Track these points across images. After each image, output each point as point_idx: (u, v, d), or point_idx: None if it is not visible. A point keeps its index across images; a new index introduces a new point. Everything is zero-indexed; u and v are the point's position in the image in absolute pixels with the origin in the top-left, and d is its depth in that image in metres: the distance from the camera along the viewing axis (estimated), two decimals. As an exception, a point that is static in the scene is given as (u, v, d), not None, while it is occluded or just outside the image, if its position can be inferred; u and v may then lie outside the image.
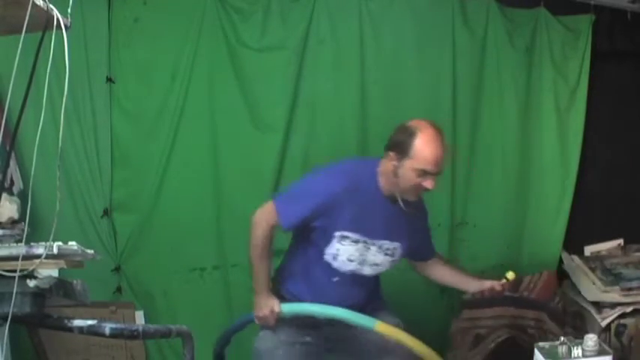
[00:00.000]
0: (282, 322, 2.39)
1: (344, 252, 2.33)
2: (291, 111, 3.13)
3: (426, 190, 2.25)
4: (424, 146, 2.19)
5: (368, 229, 2.33)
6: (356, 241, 2.33)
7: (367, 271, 2.40)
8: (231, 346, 2.64)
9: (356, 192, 2.28)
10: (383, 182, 2.31)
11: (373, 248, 2.36)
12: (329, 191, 2.27)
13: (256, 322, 2.41)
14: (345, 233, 2.30)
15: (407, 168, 2.21)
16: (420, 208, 2.45)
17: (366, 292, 2.47)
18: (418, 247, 2.51)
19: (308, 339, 2.43)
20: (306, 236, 2.38)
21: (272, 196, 2.47)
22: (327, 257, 2.34)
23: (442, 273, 2.59)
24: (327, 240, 2.32)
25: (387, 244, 2.38)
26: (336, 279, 2.38)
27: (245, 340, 2.61)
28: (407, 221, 2.38)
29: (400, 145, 2.22)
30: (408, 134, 2.21)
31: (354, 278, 2.40)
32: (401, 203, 2.30)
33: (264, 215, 2.33)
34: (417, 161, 2.19)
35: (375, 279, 2.52)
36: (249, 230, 3.10)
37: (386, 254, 2.39)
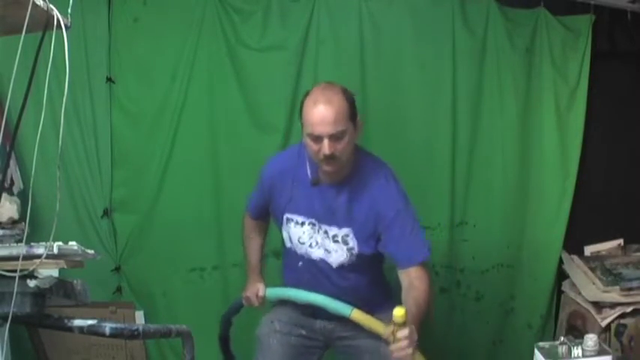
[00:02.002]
0: (280, 312, 2.49)
1: (293, 234, 2.34)
2: (291, 111, 3.13)
3: (325, 155, 2.09)
4: (308, 108, 2.12)
5: (309, 210, 2.27)
6: (302, 223, 2.31)
7: (324, 256, 2.30)
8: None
9: (289, 173, 2.31)
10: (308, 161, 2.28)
11: (321, 231, 2.29)
12: (265, 175, 2.41)
13: (243, 302, 2.54)
14: (288, 215, 2.33)
15: (304, 134, 2.16)
16: (372, 196, 2.23)
17: (344, 292, 2.30)
18: (387, 246, 2.24)
19: (303, 332, 2.46)
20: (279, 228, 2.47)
21: None
22: (286, 241, 2.40)
23: (403, 292, 2.20)
24: (280, 223, 2.39)
25: (333, 230, 2.26)
26: (300, 263, 2.37)
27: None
28: (354, 205, 2.22)
29: (300, 112, 2.18)
30: (303, 98, 2.17)
31: (320, 267, 2.32)
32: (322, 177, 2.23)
33: (245, 210, 2.61)
34: (305, 125, 2.13)
35: (356, 283, 2.33)
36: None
37: (335, 241, 2.27)
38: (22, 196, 2.75)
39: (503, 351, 3.41)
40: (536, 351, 2.29)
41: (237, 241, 3.15)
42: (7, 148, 2.48)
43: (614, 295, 3.07)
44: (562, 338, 2.27)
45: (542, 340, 2.60)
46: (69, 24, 1.56)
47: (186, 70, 3.08)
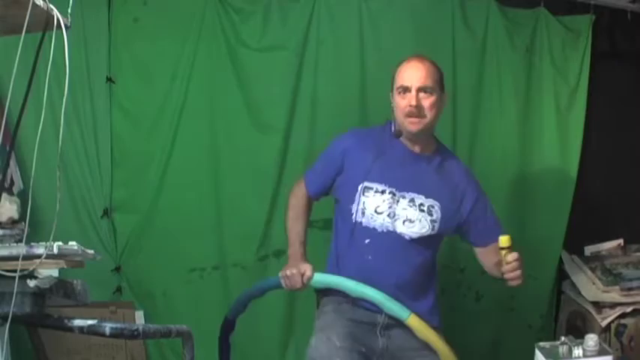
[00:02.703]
0: (333, 324, 2.23)
1: (370, 204, 2.26)
2: (291, 111, 3.13)
3: (411, 107, 2.21)
4: (401, 66, 2.29)
5: (391, 178, 2.27)
6: (382, 192, 2.26)
7: (401, 228, 2.25)
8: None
9: (371, 143, 2.33)
10: (393, 127, 2.35)
11: (403, 201, 2.26)
12: (340, 147, 2.37)
13: (282, 283, 2.28)
14: (367, 184, 2.27)
15: (395, 96, 2.28)
16: (458, 173, 2.37)
17: (409, 270, 2.26)
18: (470, 223, 2.37)
19: (363, 349, 2.23)
20: (336, 210, 2.40)
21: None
22: (356, 215, 2.27)
23: (487, 261, 2.42)
24: (352, 196, 2.28)
25: (420, 198, 2.27)
26: (367, 240, 2.26)
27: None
28: (441, 180, 2.31)
29: (391, 82, 2.32)
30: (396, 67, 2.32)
31: (390, 242, 2.25)
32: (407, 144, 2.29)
33: (295, 187, 2.51)
34: (397, 81, 2.27)
35: (423, 260, 2.31)
36: (249, 230, 3.12)
37: (421, 210, 2.26)
38: (22, 196, 2.74)
39: (503, 351, 3.41)
40: (537, 351, 2.30)
41: (237, 241, 3.17)
42: (7, 148, 2.48)
43: (614, 295, 3.07)
44: (563, 338, 2.27)
45: (542, 340, 2.60)
46: (69, 24, 1.56)
47: (186, 70, 3.07)
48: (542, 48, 3.26)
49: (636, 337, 3.00)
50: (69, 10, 1.58)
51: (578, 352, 2.20)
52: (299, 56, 3.12)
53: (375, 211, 2.26)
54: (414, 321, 2.19)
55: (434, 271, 2.46)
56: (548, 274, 3.37)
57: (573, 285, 3.27)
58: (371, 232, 2.27)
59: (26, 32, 1.47)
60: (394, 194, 2.26)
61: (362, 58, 3.17)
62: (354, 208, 2.28)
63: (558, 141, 3.31)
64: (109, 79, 3.04)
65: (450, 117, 3.22)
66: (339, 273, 2.30)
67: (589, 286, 3.15)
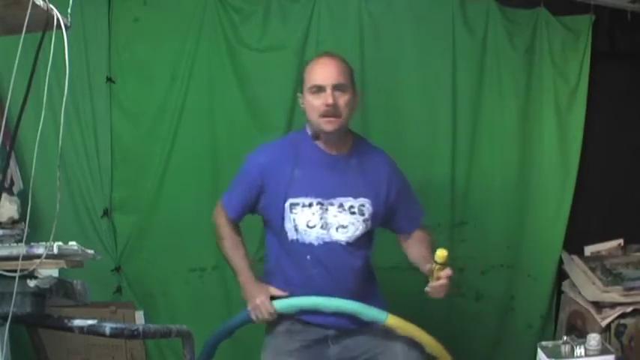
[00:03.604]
0: (284, 342, 2.25)
1: (300, 219, 2.19)
2: (291, 111, 3.13)
3: (327, 106, 2.13)
4: (311, 65, 2.22)
5: (315, 188, 2.20)
6: (309, 205, 2.19)
7: (336, 235, 2.20)
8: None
9: (287, 155, 2.24)
10: (312, 132, 2.26)
11: (332, 208, 2.20)
12: (255, 165, 2.28)
13: (253, 318, 2.25)
14: (292, 200, 2.19)
15: (306, 96, 2.20)
16: (379, 163, 2.30)
17: (353, 275, 2.24)
18: (399, 211, 2.32)
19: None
20: (267, 226, 2.34)
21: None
22: (290, 234, 2.21)
23: (413, 250, 2.35)
24: (281, 215, 2.21)
25: (349, 200, 2.21)
26: (308, 257, 2.21)
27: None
28: (365, 176, 2.25)
29: (301, 82, 2.25)
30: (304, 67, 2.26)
31: (330, 253, 2.20)
32: (323, 144, 2.23)
33: (217, 214, 2.40)
34: (308, 81, 2.19)
35: (363, 263, 2.28)
36: (248, 230, 3.11)
37: (352, 212, 2.21)
38: (22, 196, 2.74)
39: (503, 351, 3.41)
40: (539, 350, 2.30)
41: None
42: (7, 148, 2.48)
43: (614, 295, 3.07)
44: (565, 337, 2.27)
45: (542, 340, 2.60)
46: (69, 24, 1.56)
47: (186, 70, 3.07)
48: (542, 48, 3.26)
49: (636, 337, 3.00)
50: (69, 10, 1.58)
51: (580, 351, 2.21)
52: (299, 56, 3.12)
53: (307, 226, 2.20)
54: (393, 320, 2.19)
55: (372, 268, 2.40)
56: (548, 274, 3.37)
57: (573, 285, 3.27)
58: (308, 247, 2.21)
59: (26, 32, 1.47)
60: (322, 204, 2.20)
61: (362, 58, 3.16)
62: (287, 226, 2.22)
63: (558, 141, 3.31)
64: (109, 79, 3.05)
65: (450, 117, 3.22)
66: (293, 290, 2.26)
67: (589, 286, 3.15)
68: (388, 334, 2.24)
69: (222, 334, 2.43)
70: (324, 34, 3.13)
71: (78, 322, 1.74)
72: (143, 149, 3.12)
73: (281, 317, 2.27)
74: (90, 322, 1.74)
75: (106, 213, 3.09)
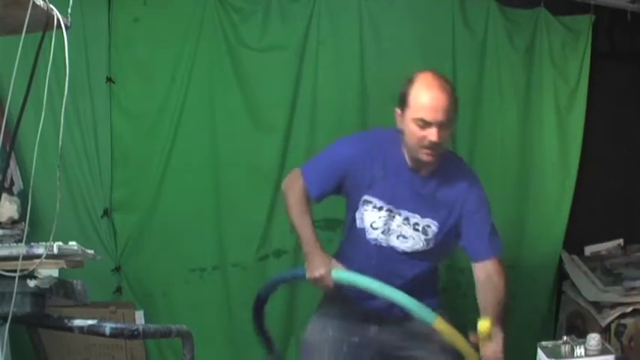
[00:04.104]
0: (333, 316, 2.32)
1: (368, 218, 2.23)
2: (291, 111, 3.13)
3: (431, 143, 2.08)
4: (420, 92, 2.10)
5: (390, 196, 2.21)
6: (379, 208, 2.22)
7: (395, 242, 2.23)
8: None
9: (377, 156, 2.23)
10: (404, 148, 2.20)
11: (398, 218, 2.22)
12: (347, 155, 2.25)
13: (312, 283, 2.23)
14: (367, 197, 2.22)
15: (408, 120, 2.11)
16: (458, 188, 2.24)
17: (403, 282, 2.22)
18: (464, 236, 2.28)
19: (356, 339, 2.31)
20: (348, 208, 2.33)
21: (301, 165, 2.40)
22: (358, 222, 2.26)
23: (478, 285, 2.32)
24: (356, 205, 2.25)
25: (416, 218, 2.22)
26: (366, 249, 2.25)
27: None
28: (441, 199, 2.22)
29: (401, 97, 2.15)
30: (407, 84, 2.15)
31: (384, 257, 2.24)
32: (410, 163, 2.18)
33: (292, 181, 2.32)
34: (415, 110, 2.09)
35: (419, 272, 2.29)
36: (249, 230, 3.11)
37: (415, 229, 2.22)
38: (22, 196, 2.74)
39: (503, 351, 3.40)
40: (539, 350, 2.30)
41: (237, 241, 3.17)
42: (7, 148, 2.47)
43: (614, 295, 3.07)
44: (565, 337, 2.27)
45: (541, 340, 2.60)
46: (69, 24, 1.56)
47: (186, 70, 3.07)
48: (542, 48, 3.27)
49: (636, 337, 3.00)
50: (69, 10, 1.58)
51: (580, 351, 2.20)
52: (299, 56, 3.12)
53: (371, 226, 2.24)
54: (440, 324, 2.14)
55: (433, 277, 2.42)
56: (548, 274, 3.37)
57: (573, 285, 3.27)
58: (368, 242, 2.26)
59: (26, 32, 1.47)
60: (391, 211, 2.22)
61: (362, 58, 3.17)
62: (357, 215, 2.26)
63: (558, 141, 3.31)
64: (109, 79, 3.05)
65: (450, 117, 3.22)
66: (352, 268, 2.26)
67: (589, 286, 3.15)
68: (428, 336, 2.23)
69: (286, 278, 2.61)
70: (324, 34, 3.13)
71: (78, 322, 1.74)
72: (143, 149, 3.12)
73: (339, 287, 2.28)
74: (90, 322, 1.74)
75: (106, 213, 3.09)
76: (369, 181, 2.23)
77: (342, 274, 2.19)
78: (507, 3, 3.25)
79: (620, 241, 3.44)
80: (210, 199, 3.16)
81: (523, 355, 3.31)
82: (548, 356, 2.24)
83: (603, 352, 2.20)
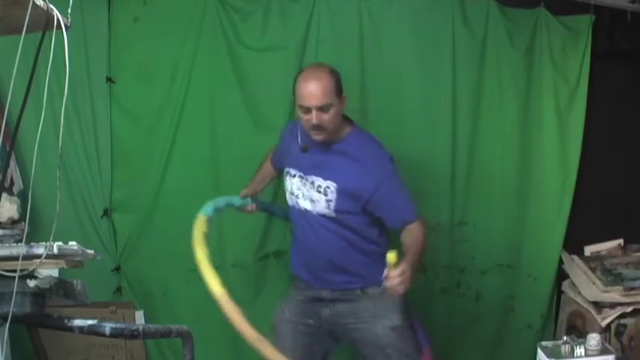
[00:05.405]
0: (291, 300, 2.67)
1: (288, 185, 2.62)
2: (291, 111, 3.12)
3: (313, 126, 2.42)
4: (300, 83, 2.45)
5: (300, 165, 2.57)
6: (294, 175, 2.59)
7: (308, 205, 2.54)
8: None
9: (292, 132, 2.63)
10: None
11: (308, 184, 2.54)
12: (282, 133, 2.77)
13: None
14: (287, 168, 2.63)
15: (297, 107, 2.49)
16: (359, 150, 2.50)
17: (321, 237, 2.53)
18: (381, 211, 2.49)
19: (310, 321, 2.63)
20: None
21: None
22: (287, 192, 2.65)
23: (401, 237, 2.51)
24: (285, 177, 2.66)
25: (319, 180, 2.51)
26: (294, 215, 2.62)
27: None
28: (341, 162, 2.49)
29: (292, 89, 2.50)
30: (296, 77, 2.50)
31: (305, 215, 2.55)
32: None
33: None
34: (298, 98, 2.45)
35: (336, 235, 2.53)
36: (248, 230, 3.13)
37: (318, 191, 2.51)
38: (22, 196, 2.74)
39: (503, 351, 3.41)
40: (539, 350, 2.30)
41: (237, 241, 3.17)
42: (7, 148, 2.48)
43: (614, 295, 3.07)
44: (565, 337, 2.28)
45: (541, 340, 2.60)
46: (69, 24, 1.56)
47: (186, 70, 3.07)
48: (542, 48, 3.26)
49: (636, 337, 3.00)
50: (69, 10, 1.58)
51: (580, 351, 2.21)
52: (299, 56, 3.12)
53: (290, 192, 2.61)
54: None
55: (359, 258, 2.57)
56: (548, 274, 3.37)
57: (573, 285, 3.27)
58: (293, 207, 2.62)
59: (26, 32, 1.47)
60: (302, 177, 2.57)
61: (362, 58, 3.16)
62: (286, 187, 2.65)
63: (558, 141, 3.31)
64: (109, 79, 3.05)
65: (450, 117, 3.22)
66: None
67: (589, 286, 3.15)
68: (375, 312, 2.53)
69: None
70: (324, 34, 3.13)
71: (78, 322, 1.74)
72: (143, 149, 3.12)
73: (294, 282, 2.74)
74: (90, 322, 1.74)
75: (106, 213, 3.09)
76: (287, 154, 2.65)
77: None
78: (507, 3, 3.25)
79: (620, 241, 3.44)
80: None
81: (523, 355, 3.32)
82: (548, 356, 2.24)
83: (603, 352, 2.21)
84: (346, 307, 2.57)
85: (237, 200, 2.80)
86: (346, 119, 2.57)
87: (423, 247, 2.42)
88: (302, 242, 2.65)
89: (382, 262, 2.41)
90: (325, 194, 2.50)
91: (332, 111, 2.43)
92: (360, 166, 2.48)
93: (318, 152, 2.53)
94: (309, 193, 2.54)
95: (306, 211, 2.56)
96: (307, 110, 2.42)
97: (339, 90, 2.46)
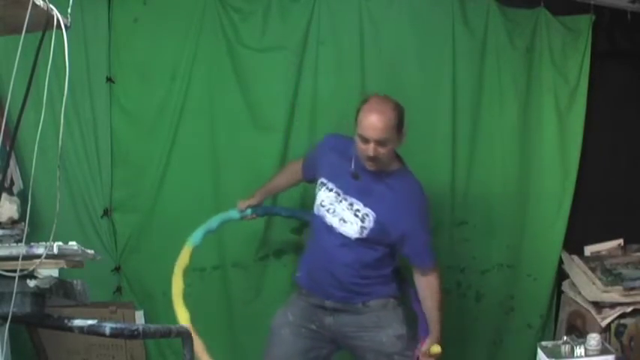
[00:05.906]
0: (295, 304, 2.67)
1: (319, 197, 2.60)
2: (291, 111, 3.13)
3: (369, 157, 2.44)
4: (363, 114, 2.45)
5: (341, 182, 2.56)
6: (330, 189, 2.57)
7: (335, 223, 2.53)
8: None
9: (338, 148, 2.61)
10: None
11: (344, 203, 2.54)
12: (321, 144, 2.73)
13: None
14: (323, 180, 2.61)
15: (356, 133, 2.48)
16: (404, 189, 2.55)
17: (337, 261, 2.54)
18: (408, 252, 2.57)
19: (313, 326, 2.63)
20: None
21: None
22: (316, 201, 2.63)
23: (420, 292, 2.64)
24: (318, 187, 2.63)
25: (359, 205, 2.52)
26: (317, 226, 2.61)
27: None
28: (385, 194, 2.52)
29: (356, 114, 2.50)
30: (361, 104, 2.50)
31: (328, 231, 2.55)
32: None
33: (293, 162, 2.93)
34: (360, 127, 2.45)
35: (354, 258, 2.55)
36: (248, 230, 3.14)
37: (356, 215, 2.52)
38: (22, 196, 2.74)
39: (503, 351, 3.41)
40: (539, 350, 2.30)
41: (237, 241, 3.17)
42: (7, 148, 2.48)
43: (614, 295, 3.07)
44: (565, 337, 2.28)
45: (541, 340, 2.60)
46: (69, 24, 1.56)
47: (186, 70, 3.07)
48: (542, 48, 3.26)
49: (636, 337, 3.00)
50: (69, 10, 1.58)
51: (580, 351, 2.21)
52: (299, 56, 3.12)
53: (321, 204, 2.58)
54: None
55: (372, 274, 2.60)
56: (548, 274, 3.37)
57: (573, 285, 3.27)
58: (319, 218, 2.60)
59: (26, 32, 1.47)
60: (339, 194, 2.56)
61: (362, 58, 3.16)
62: (316, 196, 2.64)
63: (558, 141, 3.31)
64: (109, 79, 3.05)
65: (450, 117, 3.22)
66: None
67: (589, 286, 3.15)
68: (379, 322, 2.58)
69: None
70: (324, 34, 3.13)
71: (78, 322, 1.74)
72: (143, 149, 3.12)
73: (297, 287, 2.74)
74: (90, 322, 1.74)
75: (106, 213, 3.09)
76: (327, 167, 2.62)
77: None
78: (507, 3, 3.25)
79: (620, 241, 3.44)
80: (210, 199, 3.16)
81: (523, 355, 3.32)
82: (548, 356, 2.24)
83: (603, 352, 2.21)
84: (349, 317, 2.60)
85: (235, 214, 2.85)
86: (395, 153, 2.58)
87: (442, 306, 2.61)
88: (314, 252, 2.65)
89: (385, 281, 2.62)
90: (362, 220, 2.51)
91: (389, 146, 2.46)
92: (401, 205, 2.52)
93: (366, 178, 2.53)
94: (343, 213, 2.53)
95: (330, 227, 2.55)
96: (366, 140, 2.43)
97: (400, 125, 2.48)
